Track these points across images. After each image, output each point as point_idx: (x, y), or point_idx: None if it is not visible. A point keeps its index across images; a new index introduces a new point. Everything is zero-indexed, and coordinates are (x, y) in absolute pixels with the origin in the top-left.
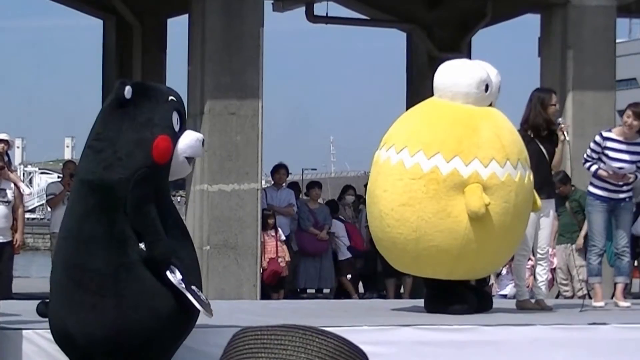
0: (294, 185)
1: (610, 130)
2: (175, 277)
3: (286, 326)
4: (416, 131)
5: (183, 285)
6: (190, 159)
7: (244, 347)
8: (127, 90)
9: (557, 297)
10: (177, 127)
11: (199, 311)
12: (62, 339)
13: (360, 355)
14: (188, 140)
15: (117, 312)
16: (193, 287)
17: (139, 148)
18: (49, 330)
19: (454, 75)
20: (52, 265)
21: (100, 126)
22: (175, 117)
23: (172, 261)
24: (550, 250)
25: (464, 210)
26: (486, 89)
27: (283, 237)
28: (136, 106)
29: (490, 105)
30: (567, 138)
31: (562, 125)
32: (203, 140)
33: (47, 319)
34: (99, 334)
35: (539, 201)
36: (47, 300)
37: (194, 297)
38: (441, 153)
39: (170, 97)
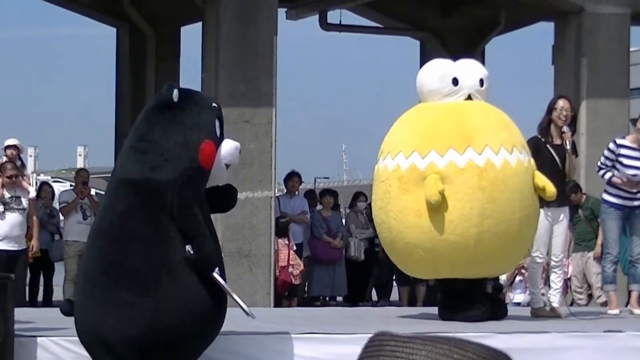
0: (310, 194)
1: (624, 138)
2: (221, 277)
3: (423, 338)
4: (393, 135)
5: (228, 287)
6: (227, 166)
7: (378, 352)
8: (176, 94)
9: (570, 304)
10: (218, 134)
11: (224, 316)
12: (90, 335)
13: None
14: (229, 147)
15: (155, 312)
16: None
17: (185, 151)
18: (64, 337)
19: (421, 76)
20: (83, 263)
21: (145, 127)
22: (217, 123)
23: (219, 262)
24: (564, 258)
25: (424, 204)
26: (455, 83)
27: (294, 247)
28: (183, 110)
29: (469, 98)
30: (567, 147)
31: (564, 135)
32: (241, 149)
33: (67, 323)
34: (134, 333)
35: (548, 186)
36: (71, 299)
37: (239, 298)
38: (402, 152)
39: (213, 104)
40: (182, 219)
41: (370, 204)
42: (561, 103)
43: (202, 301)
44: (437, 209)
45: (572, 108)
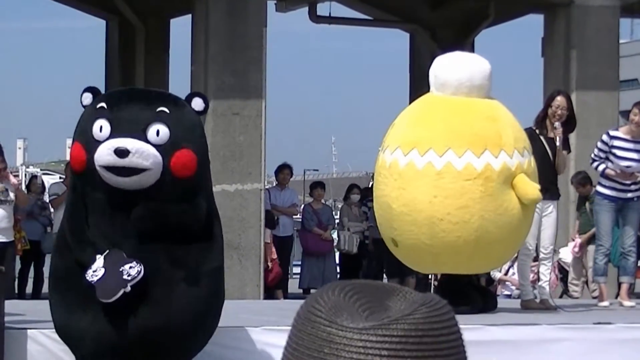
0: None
1: (617, 129)
2: (93, 272)
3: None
4: (453, 131)
5: (96, 279)
6: (113, 169)
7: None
8: (84, 97)
9: (561, 296)
10: (101, 136)
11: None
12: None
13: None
14: (100, 148)
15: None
16: (124, 267)
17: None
18: (54, 330)
19: (465, 68)
20: None
21: None
22: (98, 124)
23: (91, 261)
24: (552, 250)
25: (517, 204)
26: (487, 79)
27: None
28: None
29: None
30: (557, 143)
31: (555, 130)
32: (117, 149)
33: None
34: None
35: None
36: None
37: (99, 287)
38: (489, 149)
39: (100, 105)
40: (65, 222)
41: (364, 196)
42: (558, 100)
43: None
44: (524, 208)
45: (570, 107)
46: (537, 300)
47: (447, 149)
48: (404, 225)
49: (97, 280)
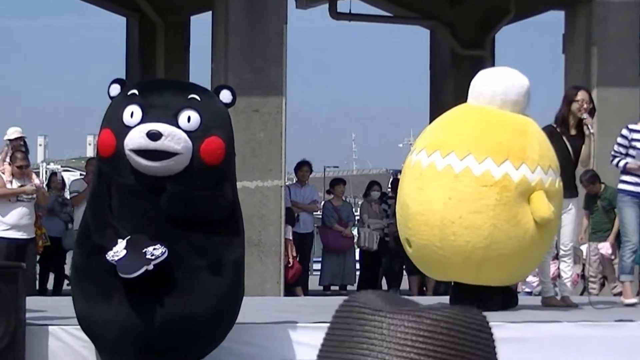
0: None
1: (636, 123)
2: (114, 253)
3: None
4: (478, 137)
5: (117, 258)
6: (143, 152)
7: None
8: (112, 88)
9: (581, 294)
10: (131, 121)
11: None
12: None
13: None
14: (132, 132)
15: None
16: (147, 249)
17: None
18: (75, 327)
19: (504, 82)
20: None
21: None
22: (129, 110)
23: (111, 245)
24: (572, 247)
25: (530, 218)
26: (528, 97)
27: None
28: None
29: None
30: (591, 131)
31: (585, 120)
32: (150, 131)
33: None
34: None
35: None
36: None
37: (118, 264)
38: (510, 160)
39: (132, 91)
40: (88, 208)
41: (384, 193)
42: (581, 95)
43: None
44: (538, 226)
45: (591, 98)
46: (558, 298)
47: (468, 153)
48: (418, 225)
49: (119, 259)
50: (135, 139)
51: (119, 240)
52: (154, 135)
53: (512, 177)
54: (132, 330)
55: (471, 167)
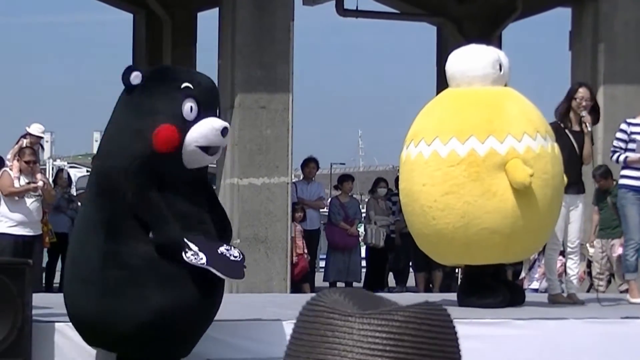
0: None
1: (635, 117)
2: (193, 255)
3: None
4: (443, 120)
5: (204, 262)
6: (207, 148)
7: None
8: (134, 77)
9: (588, 290)
10: (191, 116)
11: (212, 301)
12: (72, 321)
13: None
14: (201, 128)
15: (101, 301)
16: (221, 250)
17: (138, 137)
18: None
19: (469, 60)
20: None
21: (113, 112)
22: (188, 104)
23: (184, 242)
24: (579, 243)
25: (508, 188)
26: (500, 69)
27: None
28: (143, 94)
29: (505, 85)
30: (589, 129)
31: (584, 118)
32: (224, 128)
33: None
34: (87, 320)
35: (564, 177)
36: None
37: (217, 269)
38: (475, 135)
39: (185, 84)
40: (138, 206)
41: (390, 190)
42: (581, 92)
43: (160, 288)
44: (519, 194)
45: (593, 97)
46: (565, 294)
47: (434, 137)
48: (407, 216)
49: (207, 262)
50: (210, 136)
51: (186, 240)
52: (225, 132)
53: (478, 152)
54: (200, 316)
55: (438, 150)
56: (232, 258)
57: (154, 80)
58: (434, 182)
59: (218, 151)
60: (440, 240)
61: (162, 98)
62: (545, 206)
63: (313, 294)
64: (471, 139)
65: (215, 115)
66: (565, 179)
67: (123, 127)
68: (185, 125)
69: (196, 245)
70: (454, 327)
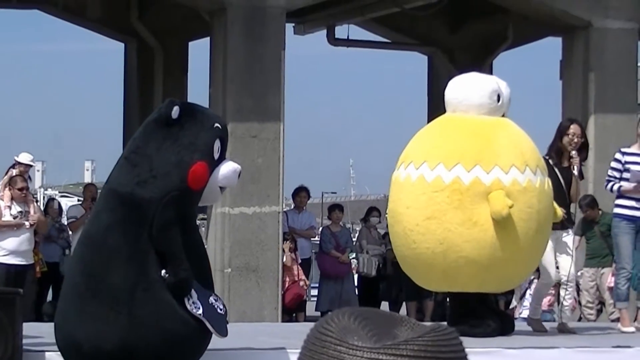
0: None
1: (629, 147)
2: (193, 304)
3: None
4: (434, 146)
5: (200, 312)
6: (223, 188)
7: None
8: (175, 111)
9: (579, 320)
10: (217, 155)
11: (210, 336)
12: (67, 345)
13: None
14: (226, 170)
15: (128, 329)
16: (211, 300)
17: (176, 170)
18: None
19: (466, 88)
20: (68, 269)
21: (141, 140)
22: (217, 144)
23: (190, 286)
24: (573, 274)
25: (489, 219)
26: (498, 99)
27: (299, 261)
28: (181, 127)
29: (503, 116)
30: (575, 172)
31: (572, 159)
32: (240, 171)
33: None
34: (107, 348)
35: (558, 210)
36: (53, 302)
37: (210, 323)
38: (461, 163)
39: (216, 124)
40: (160, 239)
41: (382, 219)
42: (572, 129)
43: (179, 322)
44: (500, 226)
45: (583, 133)
46: (557, 323)
47: (423, 162)
48: (392, 237)
49: (202, 313)
50: (231, 177)
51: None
52: (240, 175)
53: (463, 180)
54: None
55: (424, 175)
56: (219, 310)
57: (190, 117)
58: (417, 205)
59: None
60: (420, 265)
61: (199, 134)
62: (528, 240)
63: (306, 323)
64: (457, 167)
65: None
66: (560, 212)
67: (159, 157)
68: (213, 165)
69: (195, 293)
70: (465, 354)
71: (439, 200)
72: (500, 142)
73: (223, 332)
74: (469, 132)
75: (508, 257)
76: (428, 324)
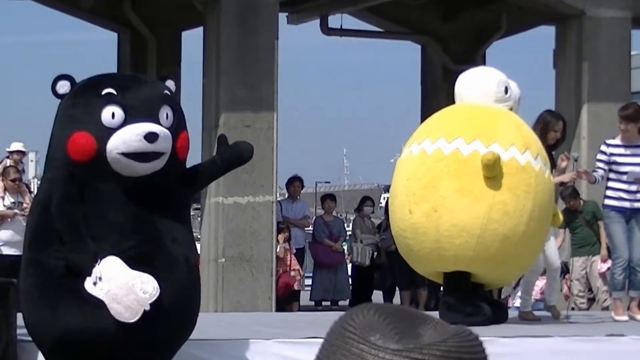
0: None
1: (614, 138)
2: (94, 284)
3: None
4: (436, 126)
5: (102, 294)
6: (135, 155)
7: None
8: (60, 85)
9: (571, 309)
10: (113, 123)
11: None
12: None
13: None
14: (122, 135)
15: (24, 309)
16: (133, 282)
17: (59, 147)
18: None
19: (474, 78)
20: None
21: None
22: (108, 111)
23: (88, 268)
24: (559, 264)
25: (485, 190)
26: (506, 91)
27: (294, 251)
28: (67, 102)
29: (510, 110)
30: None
31: (558, 162)
32: (149, 133)
33: None
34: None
35: (559, 215)
36: None
37: (112, 306)
38: (462, 137)
39: (106, 91)
40: (56, 219)
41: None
42: (561, 126)
43: (77, 305)
44: (495, 198)
45: (564, 129)
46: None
47: (425, 138)
48: (390, 214)
49: (106, 295)
50: (131, 142)
51: (96, 265)
52: (151, 138)
53: (462, 152)
54: (134, 334)
55: (425, 148)
56: (140, 293)
57: (79, 89)
58: (416, 176)
59: (156, 158)
60: (414, 237)
61: (80, 106)
62: (524, 216)
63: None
64: (458, 140)
65: (156, 122)
66: (561, 217)
67: (50, 138)
68: (106, 133)
69: (106, 272)
70: (486, 354)
71: (437, 169)
72: (501, 123)
73: (127, 316)
74: (471, 114)
75: (500, 230)
76: (452, 326)
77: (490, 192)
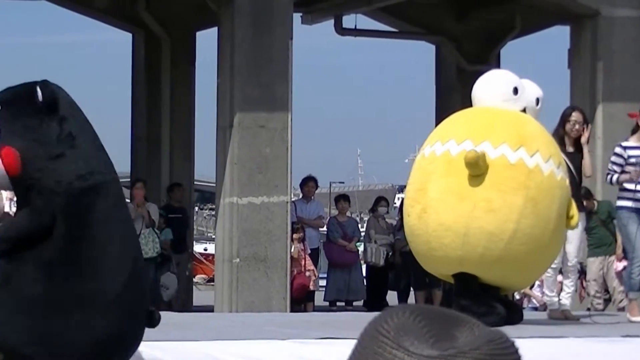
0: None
1: (627, 140)
2: None
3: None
4: (439, 129)
5: None
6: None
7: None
8: None
9: (588, 309)
10: None
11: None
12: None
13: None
14: None
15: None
16: None
17: None
18: None
19: (483, 81)
20: None
21: None
22: None
23: None
24: (577, 263)
25: (470, 189)
26: (515, 92)
27: (309, 251)
28: None
29: (524, 111)
30: (585, 147)
31: (584, 132)
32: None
33: None
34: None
35: (576, 216)
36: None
37: None
38: (454, 139)
39: None
40: None
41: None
42: (574, 116)
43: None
44: (479, 195)
45: (585, 119)
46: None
47: (427, 144)
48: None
49: None
50: None
51: None
52: None
53: (452, 153)
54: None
55: (424, 153)
56: None
57: None
58: (413, 180)
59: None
60: (412, 240)
61: None
62: (512, 214)
63: (315, 312)
64: (450, 142)
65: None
66: (577, 219)
67: None
68: None
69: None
70: (520, 357)
71: (429, 171)
72: (498, 122)
73: None
74: (472, 116)
75: (485, 228)
76: (488, 329)
77: (474, 191)
